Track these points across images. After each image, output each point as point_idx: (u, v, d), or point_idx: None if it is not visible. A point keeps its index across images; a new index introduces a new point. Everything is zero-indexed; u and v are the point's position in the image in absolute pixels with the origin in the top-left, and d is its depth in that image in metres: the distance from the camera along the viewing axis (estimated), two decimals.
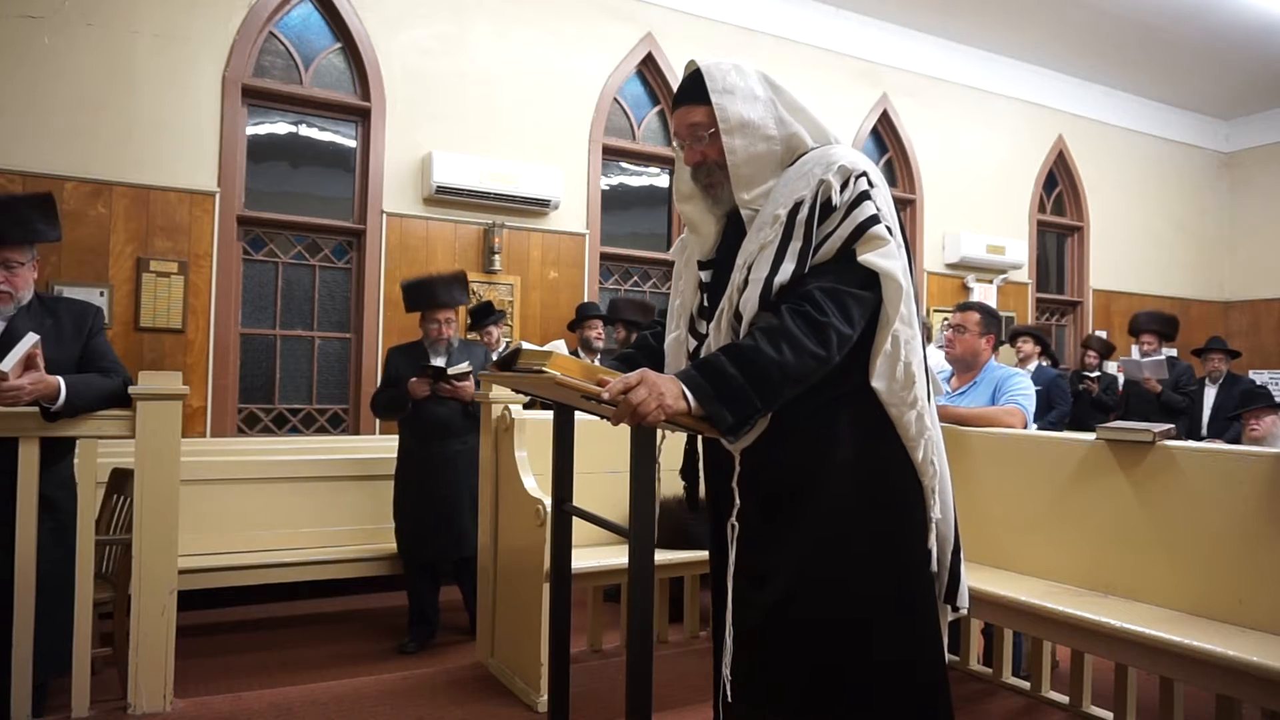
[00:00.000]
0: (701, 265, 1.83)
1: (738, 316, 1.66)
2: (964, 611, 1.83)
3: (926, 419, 1.69)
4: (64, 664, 2.60)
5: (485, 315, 5.03)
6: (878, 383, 1.65)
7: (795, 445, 1.67)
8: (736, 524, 1.66)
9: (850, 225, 1.61)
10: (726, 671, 1.66)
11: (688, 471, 1.91)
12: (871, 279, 1.62)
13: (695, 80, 1.74)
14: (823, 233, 1.62)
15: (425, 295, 4.01)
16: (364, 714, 2.80)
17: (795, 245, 1.63)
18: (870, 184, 1.64)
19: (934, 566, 1.74)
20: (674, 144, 1.84)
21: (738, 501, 1.66)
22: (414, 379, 3.85)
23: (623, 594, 3.57)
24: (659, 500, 1.65)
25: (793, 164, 1.72)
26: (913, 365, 1.66)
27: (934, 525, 1.72)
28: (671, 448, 1.86)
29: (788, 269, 1.62)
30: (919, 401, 1.67)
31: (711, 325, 1.73)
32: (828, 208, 1.62)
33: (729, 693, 1.66)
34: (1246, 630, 2.27)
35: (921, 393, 1.68)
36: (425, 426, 3.92)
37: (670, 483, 1.93)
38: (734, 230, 1.76)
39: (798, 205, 1.64)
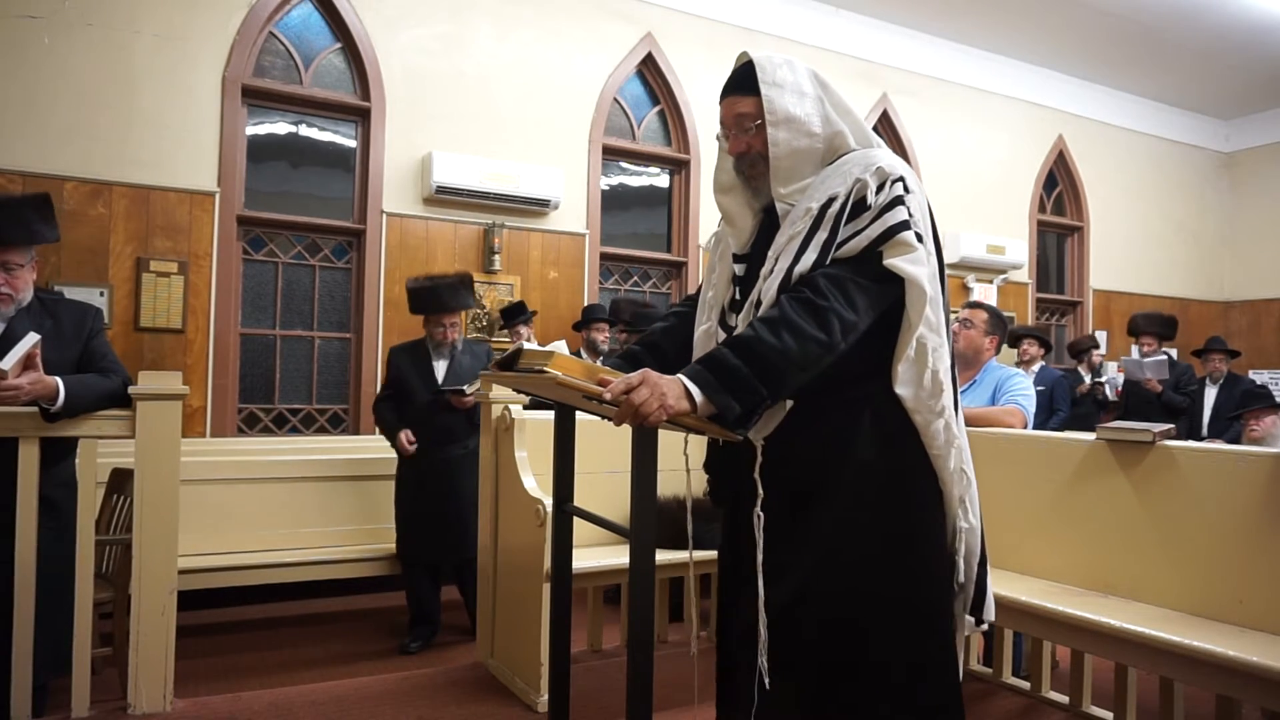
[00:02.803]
0: (736, 259, 1.82)
1: (758, 305, 1.66)
2: (986, 627, 1.82)
3: (954, 427, 1.68)
4: (64, 665, 2.59)
5: (516, 314, 5.04)
6: (902, 389, 1.64)
7: (815, 442, 1.66)
8: (763, 514, 1.65)
9: (880, 227, 1.60)
10: (763, 660, 1.64)
11: (712, 465, 1.89)
12: (889, 276, 1.61)
13: (746, 71, 1.75)
14: (851, 229, 1.62)
15: (432, 300, 3.99)
16: (364, 714, 2.80)
17: (821, 237, 1.63)
18: (906, 189, 1.64)
19: (960, 578, 1.73)
20: (718, 134, 1.83)
21: (761, 492, 1.65)
22: (403, 435, 3.93)
23: (623, 594, 3.57)
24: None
25: (833, 163, 1.72)
26: (940, 373, 1.65)
27: (963, 535, 1.72)
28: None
29: (809, 259, 1.62)
30: (946, 410, 1.66)
31: (740, 316, 1.72)
32: (860, 206, 1.62)
33: (766, 681, 1.63)
34: (1246, 630, 2.27)
35: (949, 401, 1.67)
36: (429, 432, 3.94)
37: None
38: (769, 225, 1.76)
39: (831, 200, 1.64)
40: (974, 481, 1.74)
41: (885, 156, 1.69)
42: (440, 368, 4.04)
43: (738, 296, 1.79)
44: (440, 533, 3.92)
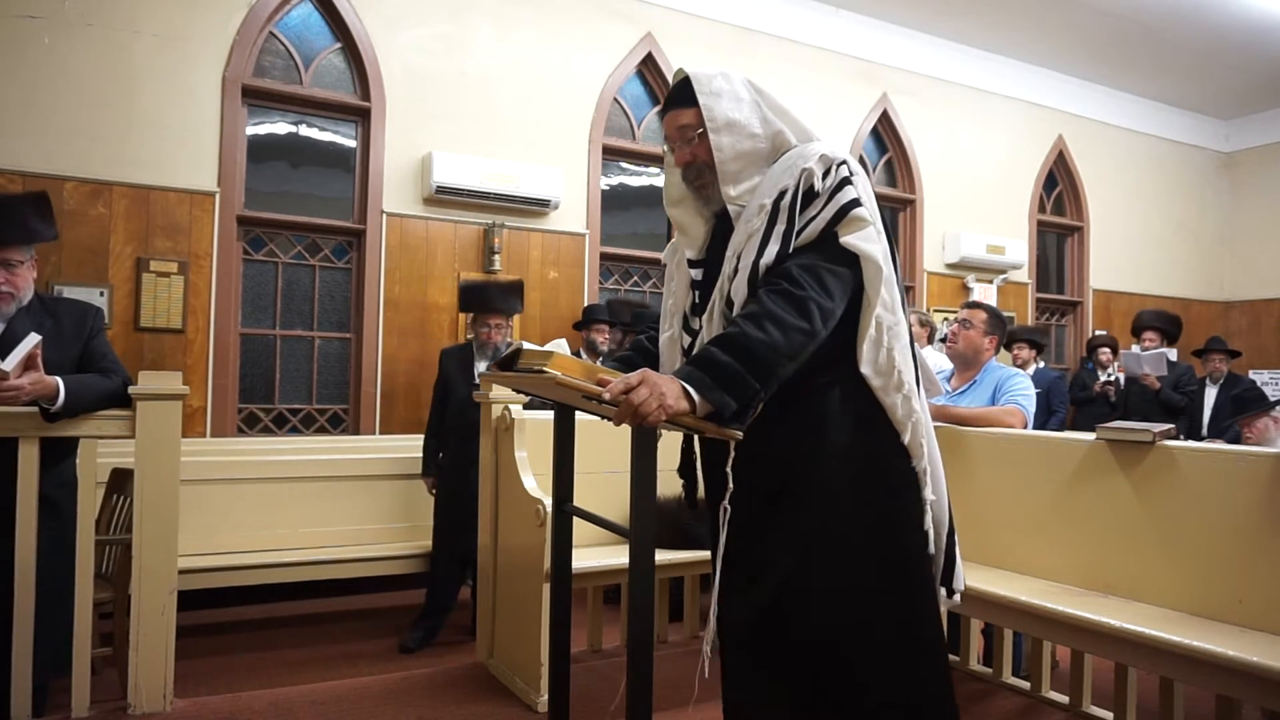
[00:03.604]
0: (692, 264, 1.87)
1: (729, 304, 1.70)
2: (958, 598, 1.84)
3: (914, 402, 1.72)
4: (64, 665, 2.60)
5: None
6: (866, 369, 1.69)
7: (789, 432, 1.69)
8: (729, 507, 1.67)
9: (833, 208, 1.66)
10: (706, 648, 1.67)
11: (685, 469, 1.92)
12: (852, 260, 1.66)
13: (684, 86, 1.81)
14: (806, 217, 1.67)
15: (480, 299, 4.18)
16: (364, 714, 2.80)
17: (780, 229, 1.68)
18: (850, 172, 1.70)
19: (930, 549, 1.75)
20: (664, 149, 1.89)
21: (731, 485, 1.67)
22: (426, 480, 4.26)
23: (623, 594, 3.57)
24: (659, 500, 1.65)
25: (776, 161, 1.77)
26: (894, 351, 1.69)
27: (929, 507, 1.74)
28: (671, 447, 1.87)
29: (772, 250, 1.66)
30: (905, 385, 1.70)
31: (704, 318, 1.77)
32: (810, 194, 1.68)
33: (705, 668, 1.67)
34: (1246, 630, 2.27)
35: (909, 377, 1.71)
36: (467, 427, 3.99)
37: (671, 483, 1.93)
38: (722, 229, 1.81)
39: (782, 193, 1.70)
40: (933, 454, 1.77)
41: (825, 146, 1.75)
42: (482, 368, 4.11)
43: (698, 300, 1.83)
44: (467, 526, 3.95)
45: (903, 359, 1.70)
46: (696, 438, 1.86)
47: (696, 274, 1.85)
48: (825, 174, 1.68)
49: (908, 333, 1.74)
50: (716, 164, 1.76)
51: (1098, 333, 7.68)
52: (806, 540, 1.67)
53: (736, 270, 1.70)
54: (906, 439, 1.71)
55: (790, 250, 1.65)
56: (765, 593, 1.67)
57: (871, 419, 1.70)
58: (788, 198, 1.68)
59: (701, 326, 1.77)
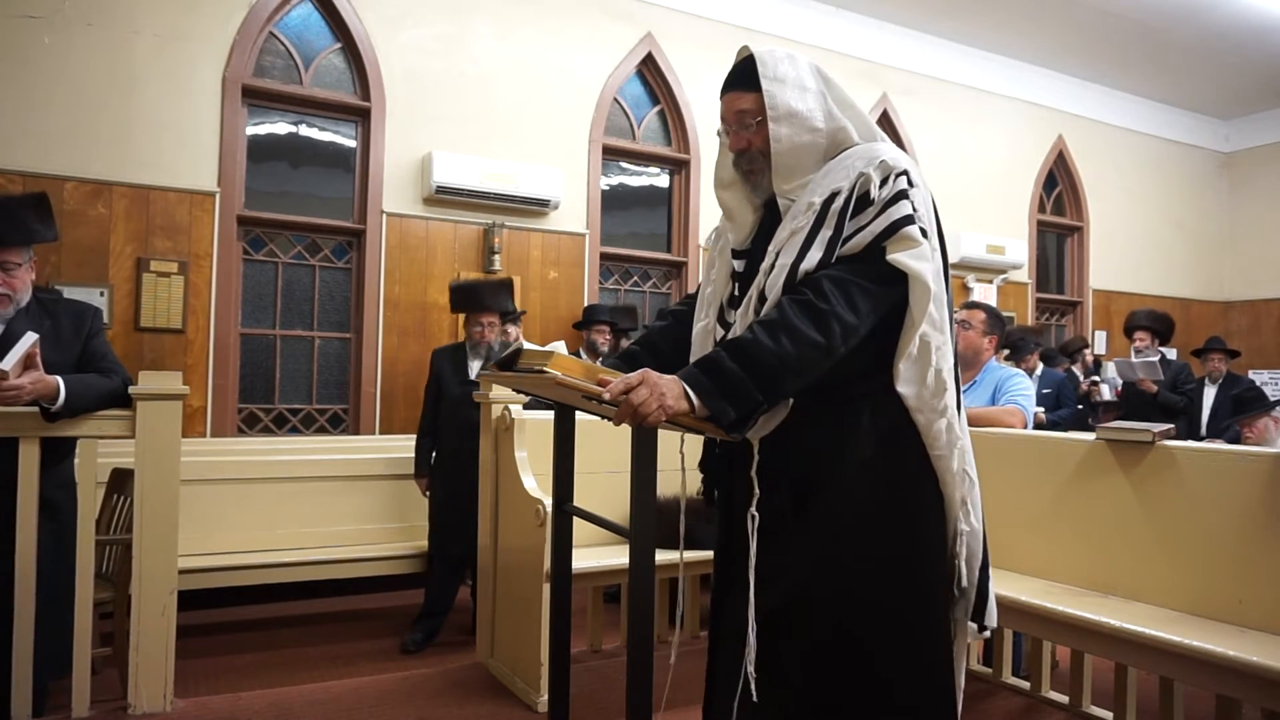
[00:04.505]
0: (735, 254, 1.80)
1: (763, 300, 1.63)
2: (989, 633, 1.79)
3: (957, 427, 1.66)
4: (64, 666, 2.60)
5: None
6: (904, 388, 1.62)
7: (813, 443, 1.64)
8: (757, 514, 1.63)
9: (884, 222, 1.57)
10: (750, 668, 1.61)
11: (707, 464, 1.87)
12: (893, 277, 1.58)
13: (747, 66, 1.71)
14: (855, 225, 1.59)
15: (470, 299, 4.18)
16: (364, 714, 2.80)
17: (825, 234, 1.60)
18: (910, 183, 1.61)
19: (962, 583, 1.70)
20: (719, 129, 1.80)
21: (758, 492, 1.63)
22: (420, 482, 4.24)
23: (623, 594, 3.57)
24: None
25: (835, 157, 1.69)
26: (943, 372, 1.62)
27: (964, 538, 1.68)
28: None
29: (814, 256, 1.58)
30: (949, 409, 1.63)
31: (739, 312, 1.69)
32: (864, 201, 1.59)
33: (754, 690, 1.61)
34: (1246, 630, 2.27)
35: (952, 400, 1.64)
36: (462, 427, 3.99)
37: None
38: (770, 220, 1.74)
39: (834, 195, 1.61)
40: (976, 483, 1.71)
41: (888, 150, 1.66)
42: (474, 367, 4.11)
43: (736, 293, 1.76)
44: (464, 526, 3.95)
45: (950, 379, 1.64)
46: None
47: (739, 265, 1.77)
48: (883, 182, 1.58)
49: (953, 354, 1.67)
50: (772, 154, 1.67)
51: (1098, 334, 7.69)
52: (818, 550, 1.62)
53: (774, 267, 1.63)
54: (953, 467, 1.65)
55: (834, 259, 1.58)
56: (770, 601, 1.63)
57: (899, 437, 1.64)
58: (839, 201, 1.59)
59: (735, 320, 1.70)
